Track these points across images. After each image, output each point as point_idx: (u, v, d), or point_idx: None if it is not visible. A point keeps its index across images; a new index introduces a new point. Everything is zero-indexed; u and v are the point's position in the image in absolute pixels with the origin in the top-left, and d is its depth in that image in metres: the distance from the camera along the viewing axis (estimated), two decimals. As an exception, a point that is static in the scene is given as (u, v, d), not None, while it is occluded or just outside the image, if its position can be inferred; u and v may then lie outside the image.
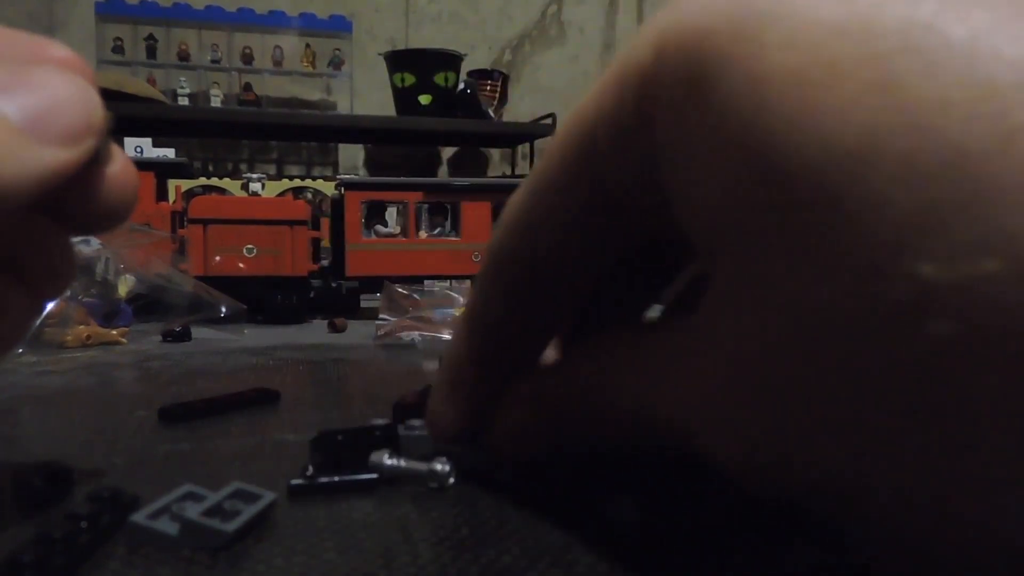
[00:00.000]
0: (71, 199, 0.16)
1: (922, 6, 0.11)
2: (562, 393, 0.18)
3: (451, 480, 0.20)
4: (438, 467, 0.20)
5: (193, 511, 0.17)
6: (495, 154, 2.08)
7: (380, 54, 1.74)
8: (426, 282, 0.65)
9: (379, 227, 0.66)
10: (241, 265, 0.58)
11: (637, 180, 0.15)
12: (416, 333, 0.50)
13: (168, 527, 0.17)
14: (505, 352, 0.20)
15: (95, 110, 0.15)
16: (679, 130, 0.13)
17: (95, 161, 0.16)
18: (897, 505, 0.11)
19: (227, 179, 1.04)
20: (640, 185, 0.15)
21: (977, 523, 0.11)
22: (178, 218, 0.63)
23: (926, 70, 0.11)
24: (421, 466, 0.20)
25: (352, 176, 1.65)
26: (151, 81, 1.66)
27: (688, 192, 0.14)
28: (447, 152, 2.04)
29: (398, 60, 1.68)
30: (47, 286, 0.19)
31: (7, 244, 0.18)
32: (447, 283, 0.66)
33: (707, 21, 0.13)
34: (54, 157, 0.14)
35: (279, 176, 1.84)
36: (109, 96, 0.22)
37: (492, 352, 0.20)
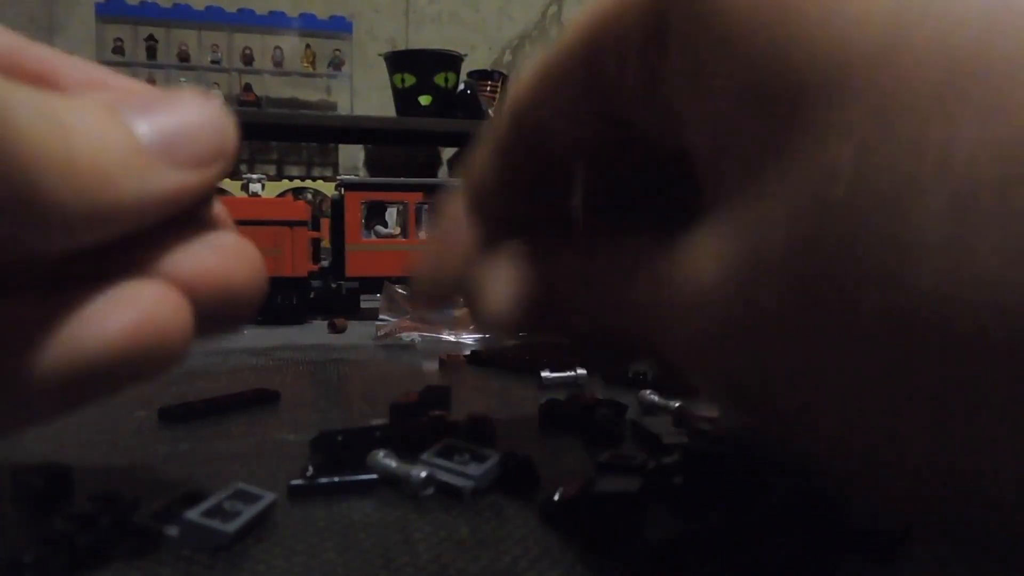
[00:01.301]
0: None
1: None
2: (573, 280, 0.18)
3: (429, 491, 0.20)
4: (412, 473, 0.20)
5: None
6: (495, 154, 2.08)
7: (380, 55, 1.74)
8: (426, 282, 0.65)
9: (379, 227, 0.66)
10: (241, 265, 0.58)
11: (642, 94, 0.16)
12: (416, 333, 0.50)
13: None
14: (493, 209, 0.20)
15: (229, 135, 0.16)
16: (688, 46, 0.14)
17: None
18: (840, 444, 0.12)
19: (227, 179, 1.04)
20: (644, 98, 0.16)
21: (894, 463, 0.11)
22: (178, 218, 0.63)
23: None
24: (401, 471, 0.20)
25: (352, 176, 1.65)
26: (151, 82, 1.66)
27: (696, 103, 0.14)
28: (447, 152, 2.04)
29: (398, 61, 1.68)
30: None
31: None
32: (447, 283, 0.66)
33: None
34: (179, 179, 0.14)
35: (279, 176, 1.84)
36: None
37: (481, 207, 0.20)
